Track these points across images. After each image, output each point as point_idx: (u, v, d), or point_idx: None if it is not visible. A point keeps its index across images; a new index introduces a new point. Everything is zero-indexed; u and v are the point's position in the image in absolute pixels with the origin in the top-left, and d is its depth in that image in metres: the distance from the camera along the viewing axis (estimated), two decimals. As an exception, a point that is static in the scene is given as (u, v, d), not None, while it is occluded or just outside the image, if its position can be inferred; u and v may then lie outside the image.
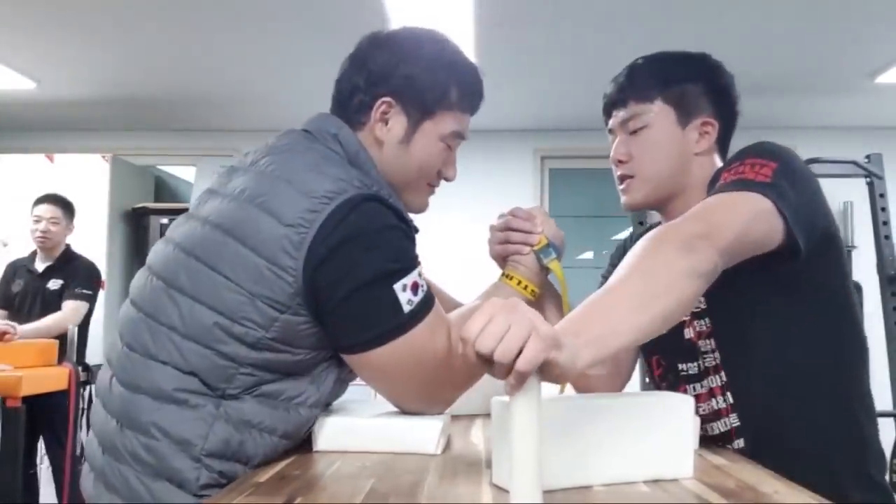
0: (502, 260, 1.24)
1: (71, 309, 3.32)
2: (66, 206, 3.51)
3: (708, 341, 1.13)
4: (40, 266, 3.47)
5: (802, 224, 0.99)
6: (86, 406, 3.17)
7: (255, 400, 0.95)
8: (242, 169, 1.05)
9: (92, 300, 3.42)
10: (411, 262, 0.98)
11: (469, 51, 3.42)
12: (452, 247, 4.75)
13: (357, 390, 1.14)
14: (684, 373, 1.16)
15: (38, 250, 3.47)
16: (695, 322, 1.14)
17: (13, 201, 4.44)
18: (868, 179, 4.07)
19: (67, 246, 3.55)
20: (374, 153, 1.08)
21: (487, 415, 1.26)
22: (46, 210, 3.43)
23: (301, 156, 1.03)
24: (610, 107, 1.23)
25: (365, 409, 1.09)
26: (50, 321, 3.25)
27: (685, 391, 1.15)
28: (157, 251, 1.05)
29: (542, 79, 3.94)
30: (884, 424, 1.16)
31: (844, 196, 4.41)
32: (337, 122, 1.09)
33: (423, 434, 1.00)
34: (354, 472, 0.89)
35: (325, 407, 1.06)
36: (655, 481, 0.85)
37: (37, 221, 3.41)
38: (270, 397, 0.96)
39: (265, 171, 1.00)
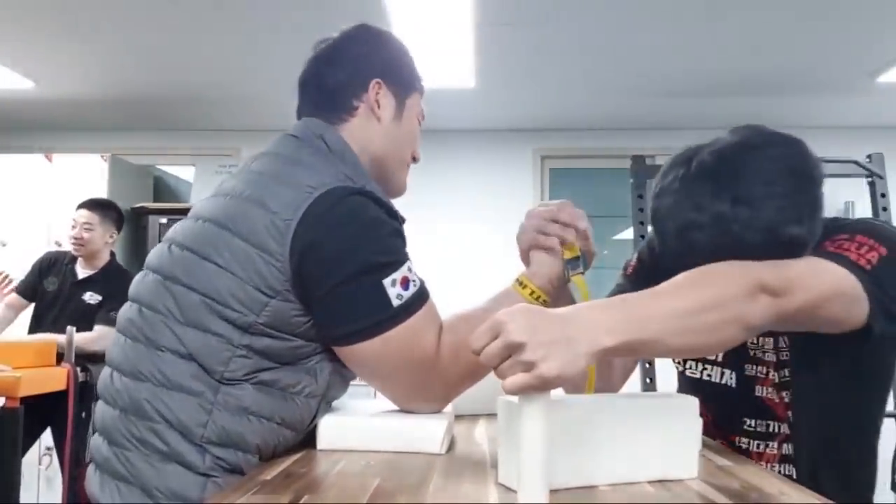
0: (527, 254, 1.15)
1: (98, 334, 3.13)
2: (105, 212, 3.33)
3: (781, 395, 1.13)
4: (81, 272, 3.32)
5: (888, 318, 0.95)
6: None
7: (253, 387, 0.96)
8: (236, 174, 1.11)
9: None
10: (400, 257, 0.99)
11: (469, 51, 3.42)
12: (452, 246, 4.75)
13: (359, 389, 1.14)
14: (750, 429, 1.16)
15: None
16: (773, 386, 1.14)
17: (12, 201, 4.44)
18: (869, 179, 4.07)
19: (112, 257, 3.40)
20: (362, 144, 1.13)
21: (490, 415, 1.26)
22: (81, 215, 3.28)
23: (288, 155, 1.08)
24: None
25: (369, 408, 1.09)
26: (81, 339, 3.03)
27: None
28: (155, 251, 1.09)
29: (542, 79, 3.94)
30: (886, 424, 1.19)
31: (846, 196, 4.41)
32: (320, 124, 1.13)
33: (427, 433, 0.99)
34: (359, 470, 0.89)
35: (327, 403, 1.06)
36: (660, 482, 0.85)
37: (73, 227, 3.28)
38: (267, 385, 0.97)
39: (255, 171, 1.06)
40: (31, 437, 3.19)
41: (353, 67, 1.16)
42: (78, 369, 3.02)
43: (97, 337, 3.14)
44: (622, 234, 4.82)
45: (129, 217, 4.64)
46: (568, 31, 3.29)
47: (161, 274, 1.02)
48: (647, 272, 1.25)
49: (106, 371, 1.06)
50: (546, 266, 1.11)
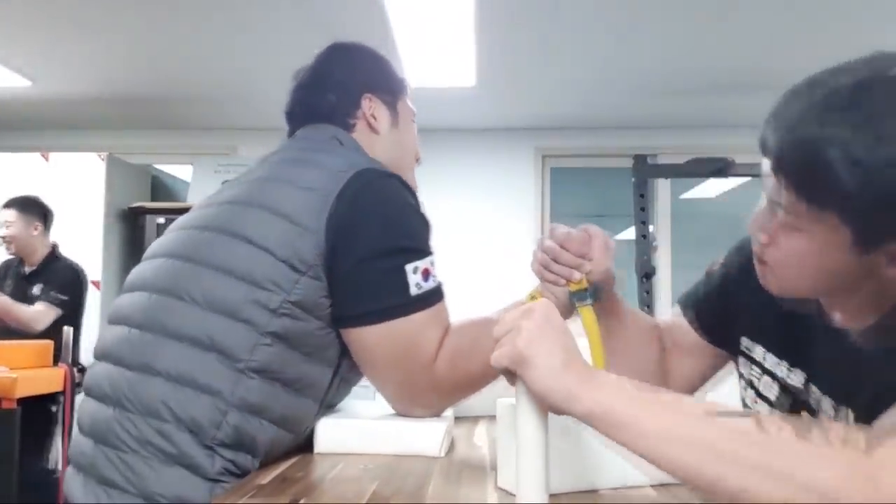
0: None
1: (37, 311, 3.26)
2: (23, 207, 3.39)
3: None
4: (26, 270, 3.44)
5: None
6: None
7: (268, 384, 0.94)
8: (255, 166, 1.12)
9: (67, 307, 3.31)
10: (427, 248, 1.02)
11: (469, 51, 3.41)
12: (452, 246, 4.74)
13: (359, 390, 1.13)
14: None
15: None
16: None
17: (9, 200, 4.43)
18: (868, 179, 4.06)
19: (52, 249, 3.48)
20: (370, 151, 1.15)
21: (490, 417, 1.25)
22: (2, 214, 3.38)
23: (308, 147, 1.11)
24: (767, 155, 0.77)
25: (367, 411, 1.08)
26: (19, 311, 3.21)
27: None
28: (166, 239, 1.07)
29: (542, 78, 3.94)
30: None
31: (844, 196, 4.42)
32: (329, 128, 1.16)
33: (426, 436, 0.98)
34: (357, 474, 0.88)
35: (327, 407, 1.05)
36: (662, 485, 0.85)
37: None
38: (281, 382, 0.95)
39: (276, 161, 1.09)
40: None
41: (341, 89, 1.18)
42: (75, 370, 3.02)
43: (35, 311, 3.27)
44: (623, 234, 4.81)
45: (127, 216, 4.64)
46: (568, 31, 3.29)
47: (182, 257, 0.99)
48: (724, 275, 1.05)
49: (100, 366, 1.00)
50: (554, 295, 1.02)
